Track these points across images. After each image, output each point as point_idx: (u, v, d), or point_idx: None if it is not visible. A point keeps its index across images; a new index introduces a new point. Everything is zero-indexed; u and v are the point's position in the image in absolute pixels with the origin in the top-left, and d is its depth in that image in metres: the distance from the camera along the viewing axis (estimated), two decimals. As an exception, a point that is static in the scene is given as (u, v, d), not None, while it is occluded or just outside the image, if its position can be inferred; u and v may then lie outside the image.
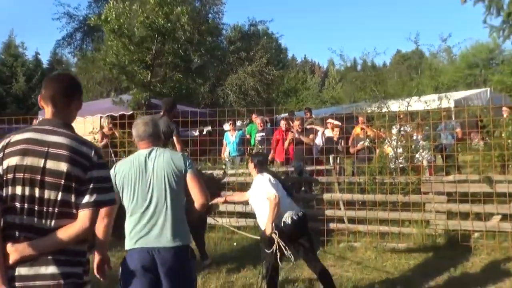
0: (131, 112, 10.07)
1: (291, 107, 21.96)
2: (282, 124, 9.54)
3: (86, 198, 2.12)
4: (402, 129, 7.73)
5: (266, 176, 4.66)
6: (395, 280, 5.51)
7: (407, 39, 9.37)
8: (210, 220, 7.53)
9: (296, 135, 8.65)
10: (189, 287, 3.09)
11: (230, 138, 10.52)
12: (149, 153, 3.15)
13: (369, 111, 8.24)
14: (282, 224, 4.51)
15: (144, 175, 3.07)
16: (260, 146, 9.16)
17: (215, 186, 6.80)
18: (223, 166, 8.40)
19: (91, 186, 2.12)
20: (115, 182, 3.10)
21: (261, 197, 4.57)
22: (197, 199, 3.10)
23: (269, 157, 9.51)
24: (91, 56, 17.30)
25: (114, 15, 9.17)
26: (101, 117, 10.72)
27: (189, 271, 3.08)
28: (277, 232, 4.47)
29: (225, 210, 7.56)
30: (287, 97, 32.35)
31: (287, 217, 4.53)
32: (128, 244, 3.04)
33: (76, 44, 19.86)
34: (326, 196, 7.35)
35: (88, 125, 9.55)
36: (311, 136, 8.76)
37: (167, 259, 2.95)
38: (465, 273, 5.70)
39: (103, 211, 3.00)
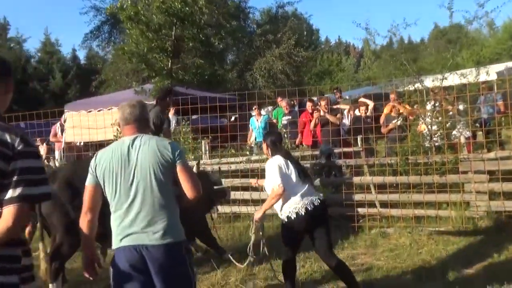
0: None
1: (325, 88, 21.27)
2: (308, 105, 9.10)
3: (10, 193, 1.81)
4: (436, 104, 7.12)
5: (276, 160, 4.25)
6: (431, 269, 5.03)
7: (440, 6, 8.63)
8: (235, 208, 7.29)
9: (322, 114, 8.18)
10: (186, 285, 2.79)
11: (256, 123, 10.17)
12: (133, 141, 2.79)
13: (400, 88, 7.66)
14: (295, 216, 4.10)
15: (126, 166, 2.74)
16: (285, 130, 8.75)
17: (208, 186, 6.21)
18: (247, 153, 8.08)
19: (15, 179, 1.81)
20: (96, 174, 2.81)
21: (272, 183, 4.22)
22: (188, 192, 2.77)
23: (297, 142, 9.17)
24: (116, 47, 17.21)
25: (129, 2, 8.96)
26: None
27: (184, 269, 2.77)
28: (256, 225, 4.47)
29: (249, 198, 7.25)
30: (320, 80, 31.57)
31: (301, 208, 4.09)
32: (115, 242, 2.77)
33: (104, 37, 20.00)
34: (356, 179, 6.90)
35: (113, 116, 9.39)
36: (338, 116, 8.28)
37: (157, 257, 2.67)
38: (511, 259, 5.14)
39: (84, 205, 2.77)
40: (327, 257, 4.25)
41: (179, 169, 2.76)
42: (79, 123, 9.47)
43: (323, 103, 8.44)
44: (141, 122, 2.87)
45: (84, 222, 2.78)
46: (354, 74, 46.50)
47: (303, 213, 4.07)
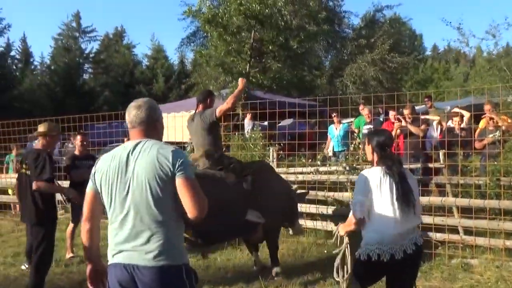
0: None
1: (418, 96, 19.68)
2: (392, 114, 8.28)
3: None
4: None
5: (368, 173, 3.23)
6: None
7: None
8: (300, 221, 6.80)
9: (403, 124, 7.34)
10: None
11: (334, 131, 9.55)
12: (134, 148, 2.47)
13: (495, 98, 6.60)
14: (376, 258, 3.09)
15: (123, 176, 2.44)
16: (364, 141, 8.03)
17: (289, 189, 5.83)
18: (318, 163, 7.53)
19: None
20: (95, 180, 2.55)
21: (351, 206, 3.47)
22: (189, 211, 2.37)
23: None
24: (195, 51, 17.38)
25: (208, 5, 8.90)
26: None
27: None
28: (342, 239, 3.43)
29: (316, 212, 6.72)
30: (422, 88, 29.58)
31: (386, 252, 3.07)
32: (108, 257, 2.50)
33: (198, 42, 20.48)
34: (435, 200, 6.04)
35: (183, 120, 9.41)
36: (422, 127, 7.37)
37: (148, 281, 2.35)
38: None
39: (83, 214, 2.59)
40: None
41: (178, 182, 2.37)
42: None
43: (406, 112, 7.60)
44: (148, 125, 2.54)
45: (83, 232, 2.56)
46: (463, 83, 43.10)
47: (387, 259, 3.07)
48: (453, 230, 5.86)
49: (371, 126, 8.87)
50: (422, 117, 8.42)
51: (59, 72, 32.60)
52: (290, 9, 11.34)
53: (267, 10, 9.14)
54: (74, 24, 41.59)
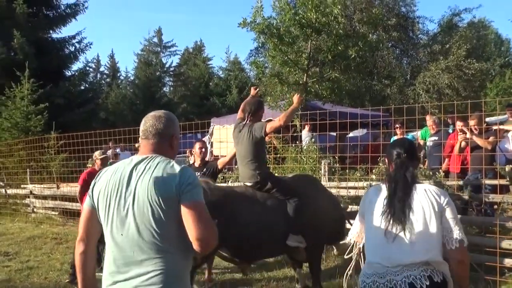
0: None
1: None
2: (458, 125, 7.59)
3: None
4: None
5: (370, 189, 2.77)
6: None
7: None
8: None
9: (468, 136, 6.68)
10: None
11: (397, 143, 8.93)
12: (139, 163, 2.17)
13: None
14: None
15: (123, 194, 2.13)
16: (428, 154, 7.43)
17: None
18: (373, 177, 7.06)
19: None
20: (92, 195, 2.23)
21: None
22: (193, 240, 2.02)
23: (442, 167, 7.75)
24: (250, 62, 17.16)
25: (262, 15, 8.78)
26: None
27: None
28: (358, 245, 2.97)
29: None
30: (509, 96, 27.27)
31: (392, 282, 2.37)
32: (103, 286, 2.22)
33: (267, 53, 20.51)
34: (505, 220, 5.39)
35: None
36: (491, 139, 6.65)
37: None
38: None
39: (78, 233, 2.29)
40: None
41: (183, 207, 2.03)
42: (225, 137, 9.54)
43: (472, 122, 6.92)
44: (163, 138, 2.24)
45: (76, 255, 2.22)
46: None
47: None
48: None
49: (436, 138, 8.22)
50: (496, 127, 7.66)
51: (139, 86, 34.41)
52: (350, 15, 10.95)
53: (324, 19, 8.85)
54: (156, 40, 44.09)
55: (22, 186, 11.24)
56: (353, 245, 3.04)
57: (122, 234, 2.11)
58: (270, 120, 5.53)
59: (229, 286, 5.65)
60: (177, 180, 2.05)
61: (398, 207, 2.42)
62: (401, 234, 2.39)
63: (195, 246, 2.02)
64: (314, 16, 8.71)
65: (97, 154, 6.53)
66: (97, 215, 2.22)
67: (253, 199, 4.66)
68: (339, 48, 9.07)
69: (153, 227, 2.05)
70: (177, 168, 2.11)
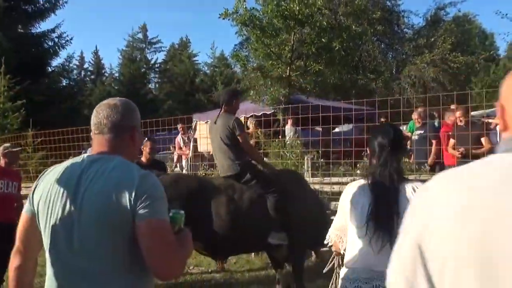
0: (272, 111, 9.30)
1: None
2: (447, 116, 7.46)
3: None
4: None
5: (351, 186, 2.46)
6: None
7: None
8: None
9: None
10: None
11: (381, 137, 8.77)
12: (90, 165, 1.71)
13: None
14: None
15: (68, 200, 1.67)
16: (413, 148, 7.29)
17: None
18: (358, 172, 6.90)
19: None
20: (32, 200, 1.78)
21: None
22: (150, 265, 1.61)
23: (429, 162, 7.63)
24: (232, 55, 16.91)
25: (245, 7, 8.53)
26: (245, 118, 10.25)
27: None
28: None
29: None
30: (494, 92, 27.33)
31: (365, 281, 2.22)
32: None
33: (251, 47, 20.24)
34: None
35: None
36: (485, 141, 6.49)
37: None
38: None
39: (16, 244, 1.85)
40: None
41: (138, 228, 1.59)
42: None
43: (458, 113, 6.78)
44: (120, 133, 1.77)
45: (11, 269, 1.79)
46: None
47: None
48: None
49: (422, 131, 8.07)
50: (486, 120, 7.56)
51: (124, 82, 33.98)
52: (334, 8, 10.78)
53: (307, 10, 8.64)
54: (140, 36, 43.58)
55: (-3, 185, 10.86)
56: (333, 258, 2.78)
57: (65, 251, 1.68)
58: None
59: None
60: (133, 191, 1.60)
61: (385, 215, 2.19)
62: (388, 245, 2.14)
63: (156, 273, 1.65)
64: (297, 8, 8.51)
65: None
66: (37, 223, 1.76)
67: (230, 192, 4.44)
68: (323, 40, 8.88)
69: (102, 246, 1.63)
70: (136, 174, 1.66)
